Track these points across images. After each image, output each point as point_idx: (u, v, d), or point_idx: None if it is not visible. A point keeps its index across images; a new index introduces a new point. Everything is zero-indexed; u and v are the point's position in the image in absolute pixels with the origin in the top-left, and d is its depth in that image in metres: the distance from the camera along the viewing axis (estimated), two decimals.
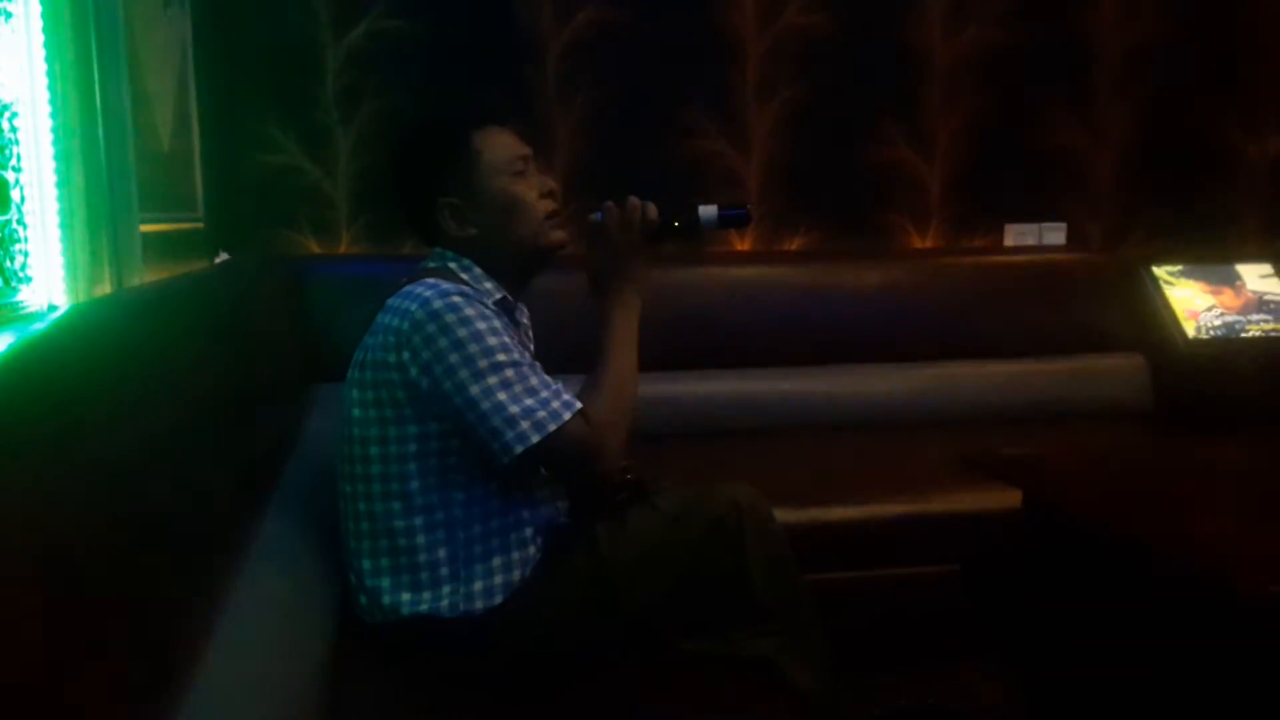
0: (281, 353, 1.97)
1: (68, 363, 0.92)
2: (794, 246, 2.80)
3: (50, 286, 1.44)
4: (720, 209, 1.46)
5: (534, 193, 1.44)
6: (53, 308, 1.44)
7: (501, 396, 1.27)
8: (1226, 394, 2.47)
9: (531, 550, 1.39)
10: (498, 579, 1.36)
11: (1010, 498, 1.98)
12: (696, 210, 1.45)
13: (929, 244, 2.88)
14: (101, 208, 1.51)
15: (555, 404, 1.29)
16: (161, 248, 1.81)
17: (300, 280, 2.34)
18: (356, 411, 1.35)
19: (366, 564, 1.35)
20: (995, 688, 1.89)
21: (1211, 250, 2.81)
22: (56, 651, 0.69)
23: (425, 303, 1.29)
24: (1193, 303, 2.66)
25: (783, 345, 2.57)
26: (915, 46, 2.79)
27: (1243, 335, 2.63)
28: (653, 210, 1.43)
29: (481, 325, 1.28)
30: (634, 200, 1.42)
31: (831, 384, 2.56)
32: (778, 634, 1.41)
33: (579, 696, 1.32)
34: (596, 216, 1.44)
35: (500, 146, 1.43)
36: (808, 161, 2.76)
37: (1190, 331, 2.61)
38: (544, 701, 1.31)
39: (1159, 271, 2.70)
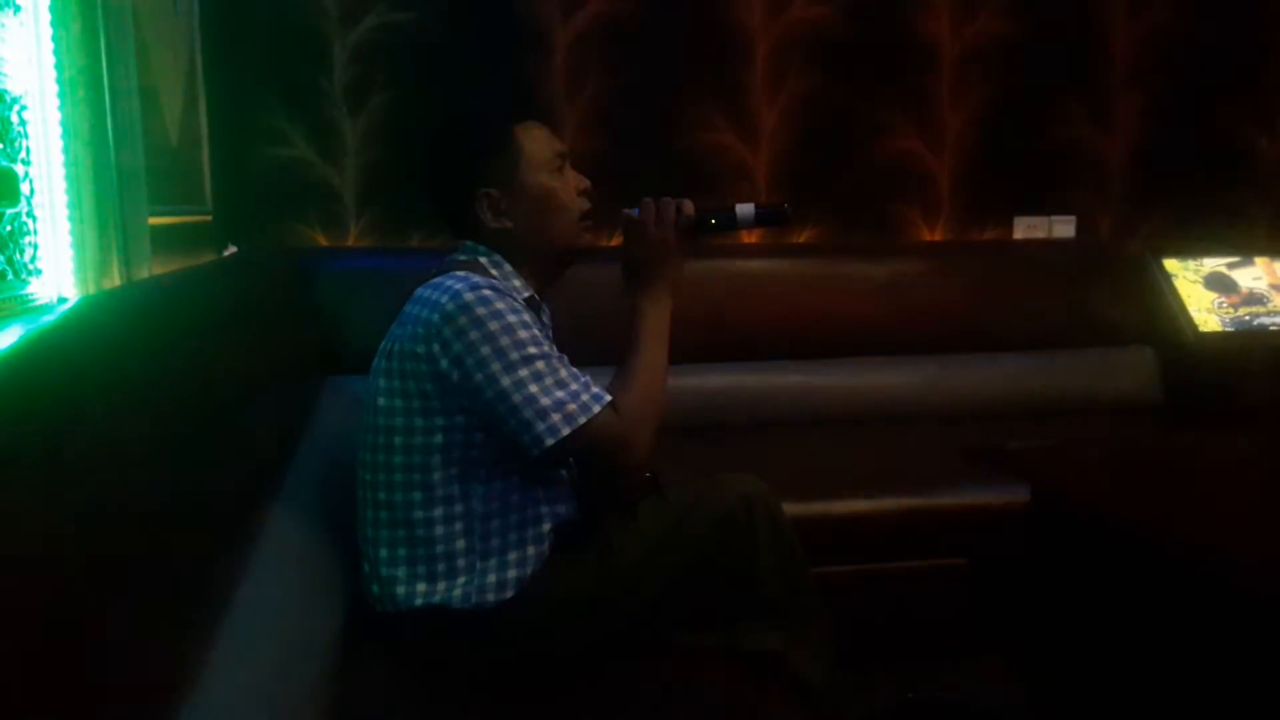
0: (289, 345, 1.98)
1: (77, 355, 0.92)
2: (802, 239, 2.79)
3: (59, 279, 1.44)
4: (757, 208, 1.46)
5: (571, 190, 1.45)
6: (62, 300, 1.44)
7: (533, 389, 1.27)
8: (1236, 387, 2.46)
9: (545, 546, 1.39)
10: (511, 573, 1.36)
11: (1018, 491, 1.98)
12: (734, 209, 1.46)
13: (938, 236, 2.87)
14: (110, 200, 1.51)
15: (585, 396, 1.29)
16: (170, 240, 1.82)
17: (308, 273, 2.35)
18: (382, 401, 1.35)
19: (383, 553, 1.36)
20: (1001, 681, 1.89)
21: (1221, 243, 2.79)
22: (67, 637, 0.70)
23: (456, 295, 1.29)
24: (1202, 296, 2.65)
25: (790, 338, 2.57)
26: (924, 38, 2.78)
27: (1252, 329, 2.62)
28: (689, 207, 1.44)
29: (513, 318, 1.29)
30: (669, 197, 1.43)
31: (839, 377, 2.56)
32: (784, 627, 1.42)
33: (585, 689, 1.32)
34: (633, 212, 1.44)
35: (541, 142, 1.44)
36: (816, 154, 2.75)
37: (1200, 325, 2.60)
38: (550, 694, 1.31)
39: (1169, 264, 2.69)
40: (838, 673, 1.46)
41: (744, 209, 1.45)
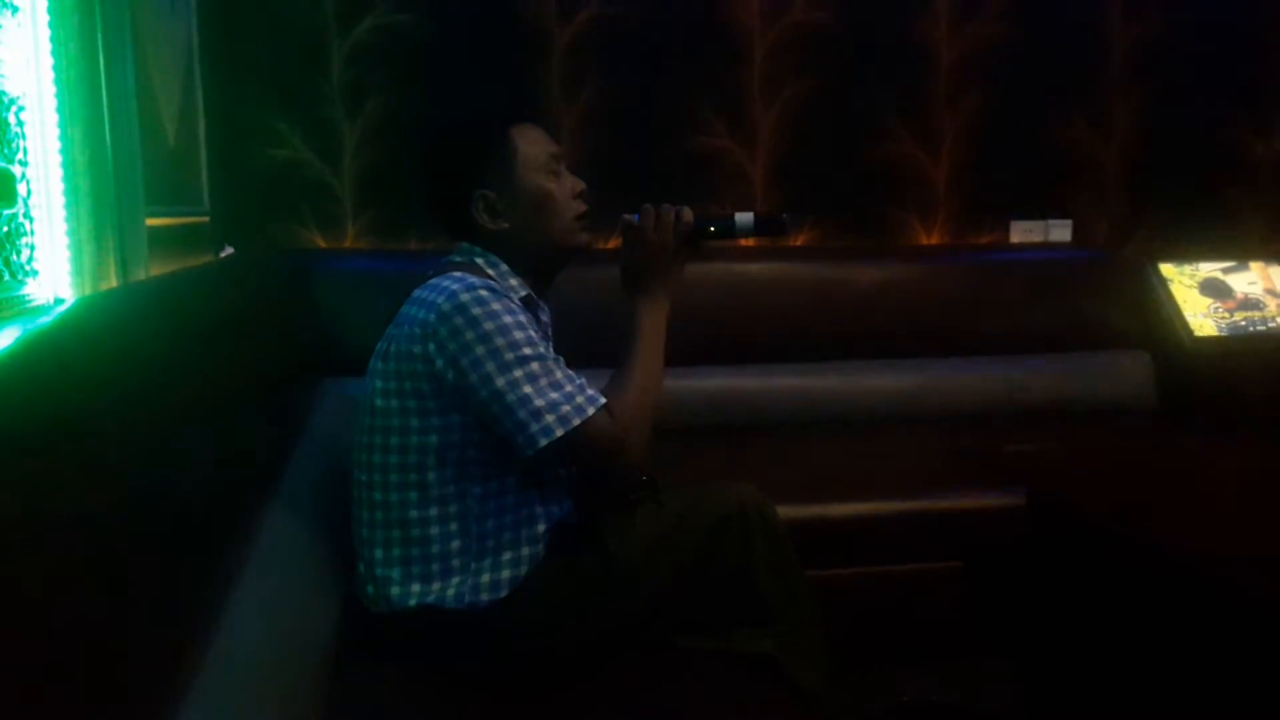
0: (286, 346, 1.97)
1: (74, 356, 0.92)
2: (799, 243, 2.80)
3: (56, 280, 1.45)
4: (756, 217, 1.46)
5: (567, 192, 1.46)
6: (59, 301, 1.44)
7: (527, 389, 1.27)
8: (1231, 392, 2.47)
9: (540, 547, 1.40)
10: (505, 573, 1.36)
11: (1014, 495, 1.98)
12: (733, 217, 1.46)
13: (934, 240, 2.87)
14: (107, 201, 1.51)
15: (580, 398, 1.29)
16: (167, 241, 1.82)
17: (306, 274, 2.34)
18: (379, 402, 1.35)
19: (379, 553, 1.36)
20: (998, 684, 1.89)
21: (1217, 247, 2.80)
22: (64, 637, 0.70)
23: (452, 295, 1.29)
24: (1198, 300, 2.66)
25: (787, 341, 2.57)
26: (921, 42, 2.79)
27: (1248, 333, 2.63)
28: (688, 214, 1.44)
29: (508, 319, 1.29)
30: (668, 204, 1.44)
31: (836, 380, 2.56)
32: (779, 632, 1.42)
33: (580, 692, 1.32)
34: (633, 218, 1.45)
35: (536, 143, 1.45)
36: (813, 158, 2.76)
37: (1195, 329, 2.60)
38: (545, 697, 1.31)
39: (1165, 269, 2.69)
40: (833, 676, 1.46)
41: (743, 217, 1.46)
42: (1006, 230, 2.90)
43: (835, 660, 1.47)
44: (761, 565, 1.41)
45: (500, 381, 1.27)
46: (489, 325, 1.28)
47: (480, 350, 1.27)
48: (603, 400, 1.31)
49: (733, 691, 1.35)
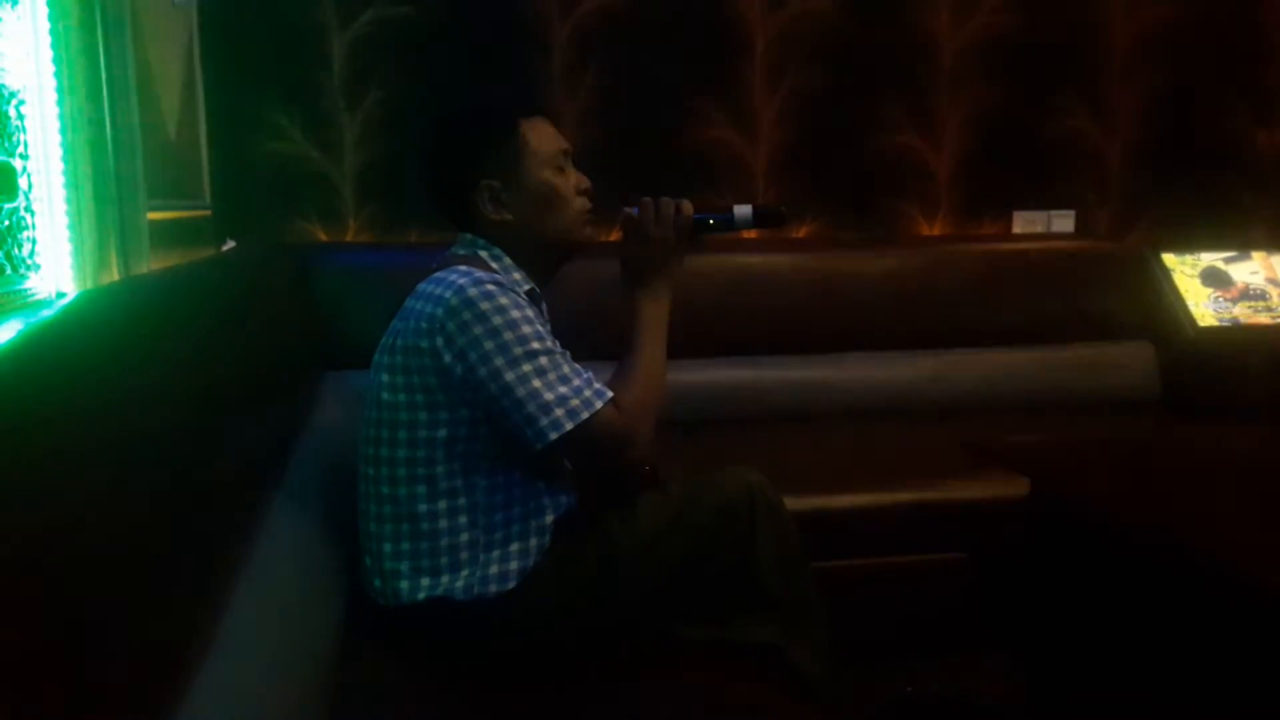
0: (288, 340, 1.97)
1: (75, 350, 0.92)
2: (801, 234, 2.79)
3: (58, 274, 1.44)
4: (755, 209, 1.47)
5: (572, 188, 1.46)
6: (60, 295, 1.44)
7: (536, 384, 1.28)
8: (1234, 382, 2.47)
9: (547, 537, 1.40)
10: (513, 564, 1.36)
11: (1017, 486, 1.98)
12: (732, 209, 1.47)
13: (937, 231, 2.87)
14: (109, 195, 1.51)
15: (587, 392, 1.30)
16: (169, 235, 1.82)
17: (307, 268, 2.34)
18: (385, 395, 1.35)
19: (387, 547, 1.36)
20: (1001, 676, 1.90)
21: (1220, 238, 2.79)
22: (67, 633, 0.70)
23: (459, 290, 1.30)
24: (1201, 291, 2.65)
25: (790, 333, 2.57)
26: (923, 33, 2.78)
27: (1251, 324, 2.62)
28: (688, 207, 1.45)
29: (516, 314, 1.29)
30: (668, 198, 1.44)
31: (838, 372, 2.56)
32: (783, 620, 1.42)
33: (585, 681, 1.33)
34: (632, 211, 1.45)
35: (546, 138, 1.45)
36: (815, 149, 2.75)
37: (1199, 320, 2.60)
38: (550, 685, 1.31)
39: (1168, 259, 2.69)
40: (836, 666, 1.46)
41: (742, 210, 1.47)
42: (1009, 221, 2.89)
43: (838, 650, 1.47)
44: (765, 552, 1.41)
45: (509, 376, 1.27)
46: (497, 320, 1.28)
47: (489, 345, 1.27)
48: (610, 394, 1.32)
49: (736, 680, 1.35)
